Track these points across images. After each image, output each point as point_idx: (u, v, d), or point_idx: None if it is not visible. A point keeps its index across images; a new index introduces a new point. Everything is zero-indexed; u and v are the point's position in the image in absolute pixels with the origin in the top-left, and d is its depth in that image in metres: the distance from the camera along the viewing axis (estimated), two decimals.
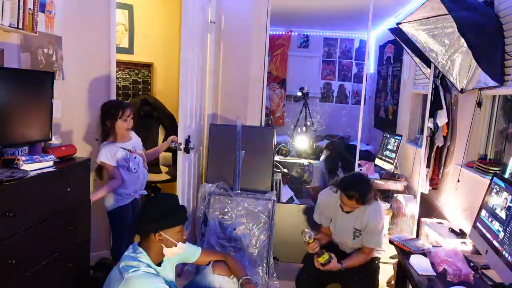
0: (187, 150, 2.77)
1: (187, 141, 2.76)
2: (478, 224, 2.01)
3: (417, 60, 3.40)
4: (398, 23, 3.02)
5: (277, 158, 4.95)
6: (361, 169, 3.97)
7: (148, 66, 4.37)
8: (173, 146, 2.84)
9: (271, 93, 6.64)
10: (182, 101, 2.68)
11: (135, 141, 2.70)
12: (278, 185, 3.66)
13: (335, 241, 2.54)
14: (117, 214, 2.61)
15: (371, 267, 2.44)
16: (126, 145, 2.60)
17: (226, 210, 2.99)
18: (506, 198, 1.80)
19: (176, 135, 2.77)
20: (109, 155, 2.50)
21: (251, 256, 2.93)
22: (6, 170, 1.84)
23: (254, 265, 2.90)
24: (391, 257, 3.16)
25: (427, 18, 2.72)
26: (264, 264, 2.91)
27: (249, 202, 2.98)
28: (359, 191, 2.23)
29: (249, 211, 2.97)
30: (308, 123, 6.03)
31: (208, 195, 3.00)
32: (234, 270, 2.12)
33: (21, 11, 2.02)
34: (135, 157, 2.62)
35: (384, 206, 3.76)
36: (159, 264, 1.89)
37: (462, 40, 2.39)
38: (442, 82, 3.07)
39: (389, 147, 4.29)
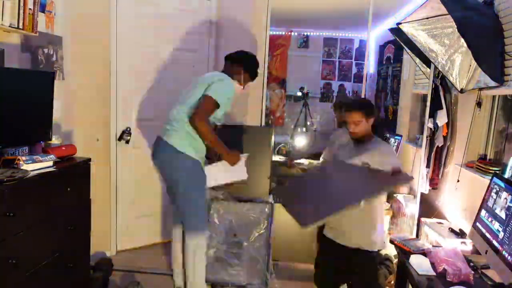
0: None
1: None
2: (478, 224, 2.01)
3: (417, 60, 3.40)
4: (398, 23, 3.01)
5: (276, 158, 4.95)
6: None
7: None
8: None
9: (271, 93, 6.64)
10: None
11: None
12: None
13: None
14: None
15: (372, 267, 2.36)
16: None
17: (225, 215, 2.94)
18: (506, 198, 1.80)
19: None
20: None
21: (251, 259, 2.92)
22: (6, 170, 1.84)
23: (255, 267, 2.90)
24: None
25: (427, 18, 2.72)
26: (264, 265, 2.91)
27: (247, 207, 2.93)
28: (362, 101, 2.39)
29: (247, 216, 2.93)
30: (308, 123, 6.03)
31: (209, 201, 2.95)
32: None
33: (21, 11, 2.03)
34: None
35: (384, 206, 3.77)
36: None
37: (462, 40, 2.39)
38: (442, 82, 3.07)
39: None
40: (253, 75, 2.68)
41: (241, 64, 2.61)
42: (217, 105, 2.39)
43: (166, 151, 2.43)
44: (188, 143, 2.42)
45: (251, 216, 2.91)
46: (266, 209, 2.91)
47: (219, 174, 2.54)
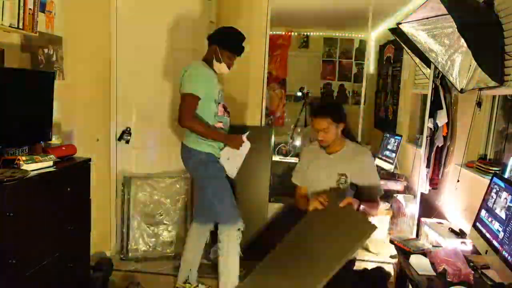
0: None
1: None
2: (478, 224, 2.02)
3: (417, 60, 3.40)
4: (398, 23, 3.01)
5: (276, 158, 4.95)
6: None
7: None
8: None
9: (271, 93, 6.64)
10: None
11: None
12: None
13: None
14: None
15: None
16: None
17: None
18: (506, 198, 1.80)
19: None
20: None
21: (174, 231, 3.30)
22: (6, 170, 1.84)
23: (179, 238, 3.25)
24: (391, 257, 3.16)
25: (427, 18, 2.72)
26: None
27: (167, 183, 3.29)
28: (330, 104, 2.21)
29: (168, 192, 3.28)
30: (308, 123, 6.02)
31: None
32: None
33: (21, 11, 2.02)
34: None
35: (384, 206, 3.77)
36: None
37: (462, 40, 2.39)
38: (442, 82, 3.07)
39: (389, 147, 4.29)
40: (233, 50, 2.53)
41: (214, 41, 2.52)
42: (194, 97, 2.37)
43: (183, 153, 2.54)
44: (198, 140, 2.45)
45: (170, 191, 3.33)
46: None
47: (233, 160, 2.56)
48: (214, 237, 3.27)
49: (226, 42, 2.51)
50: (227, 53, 2.51)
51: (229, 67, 2.56)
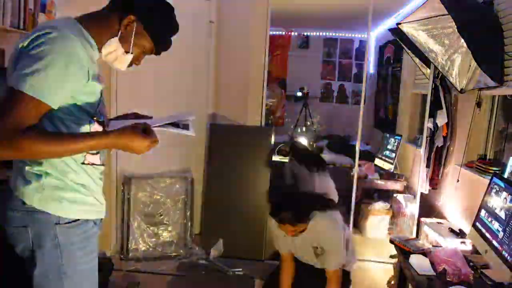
0: None
1: None
2: (477, 224, 2.02)
3: (417, 60, 3.41)
4: (397, 23, 3.02)
5: (277, 158, 4.95)
6: (361, 169, 3.97)
7: None
8: None
9: (271, 93, 6.64)
10: None
11: None
12: None
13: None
14: None
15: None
16: None
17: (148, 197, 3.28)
18: (505, 198, 1.80)
19: None
20: None
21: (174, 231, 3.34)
22: (6, 170, 1.84)
23: (179, 238, 3.34)
24: (391, 257, 3.16)
25: (427, 18, 2.72)
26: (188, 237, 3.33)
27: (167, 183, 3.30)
28: (290, 211, 1.86)
29: (168, 192, 3.29)
30: (308, 123, 6.03)
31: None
32: None
33: (22, 11, 2.03)
34: None
35: (384, 206, 3.78)
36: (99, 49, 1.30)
37: (462, 40, 2.40)
38: (442, 82, 3.08)
39: (389, 147, 4.30)
40: (156, 38, 1.32)
41: (128, 7, 1.29)
42: (38, 104, 1.07)
43: (11, 218, 1.21)
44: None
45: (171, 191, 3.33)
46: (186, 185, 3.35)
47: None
48: (213, 238, 3.29)
49: (155, 16, 1.31)
50: (146, 44, 1.32)
51: (134, 62, 1.36)
